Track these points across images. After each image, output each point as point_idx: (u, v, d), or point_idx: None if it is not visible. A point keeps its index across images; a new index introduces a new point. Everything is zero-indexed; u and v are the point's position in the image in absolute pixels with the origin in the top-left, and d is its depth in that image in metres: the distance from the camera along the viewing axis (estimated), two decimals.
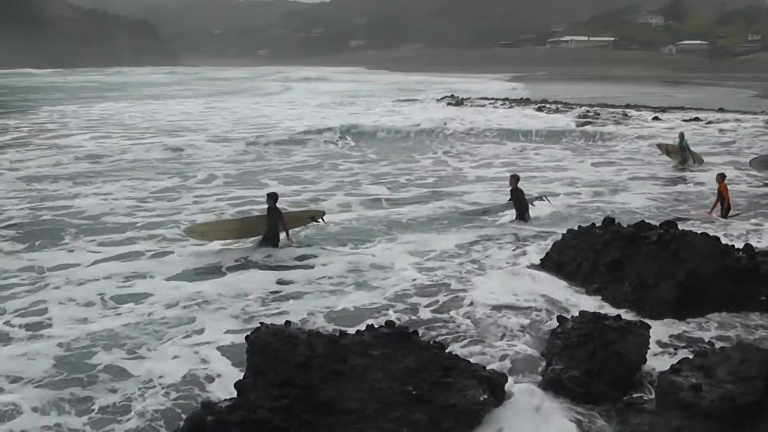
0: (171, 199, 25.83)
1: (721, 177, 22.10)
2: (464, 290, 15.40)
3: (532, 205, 21.98)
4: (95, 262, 17.94)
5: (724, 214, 21.77)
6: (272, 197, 18.86)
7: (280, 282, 16.56)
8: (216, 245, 18.97)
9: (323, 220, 20.27)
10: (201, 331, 13.45)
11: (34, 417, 10.29)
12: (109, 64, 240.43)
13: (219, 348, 12.62)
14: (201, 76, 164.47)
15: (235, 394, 9.46)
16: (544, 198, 22.39)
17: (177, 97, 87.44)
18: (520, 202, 21.28)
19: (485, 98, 71.11)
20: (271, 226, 18.71)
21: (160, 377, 11.34)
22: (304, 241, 19.70)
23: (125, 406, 10.52)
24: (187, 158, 35.86)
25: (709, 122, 48.78)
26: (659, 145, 36.72)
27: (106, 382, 11.32)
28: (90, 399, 10.79)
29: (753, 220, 21.98)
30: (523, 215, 21.35)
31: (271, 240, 18.73)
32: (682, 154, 33.17)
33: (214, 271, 17.24)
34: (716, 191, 22.21)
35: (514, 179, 21.38)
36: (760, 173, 29.93)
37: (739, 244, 15.26)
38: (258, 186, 28.47)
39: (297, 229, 19.91)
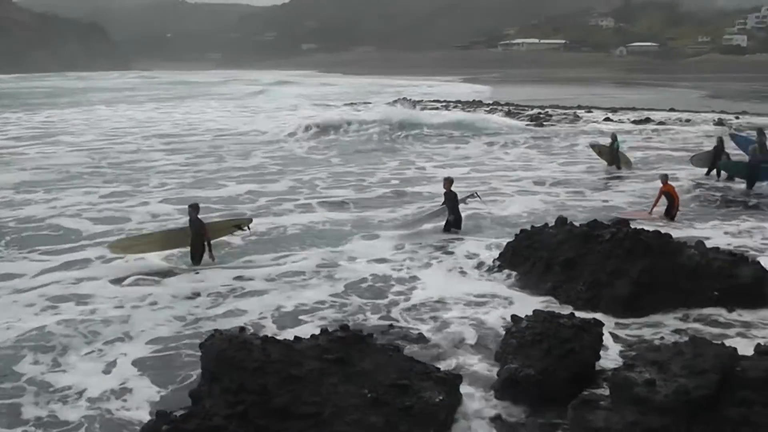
0: (121, 206, 25.18)
1: (665, 178, 22.18)
2: (419, 292, 15.46)
3: (464, 203, 21.33)
4: (42, 272, 17.40)
5: (674, 214, 21.86)
6: (194, 208, 17.73)
7: (236, 280, 16.52)
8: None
9: (249, 228, 19.27)
10: (134, 339, 13.22)
11: None
12: (61, 69, 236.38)
13: (149, 357, 12.46)
14: (167, 80, 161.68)
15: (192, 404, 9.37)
16: (475, 195, 21.93)
17: (130, 102, 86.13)
18: (453, 205, 20.62)
19: (437, 101, 71.38)
20: (194, 239, 17.58)
21: (84, 389, 11.13)
22: (248, 248, 19.41)
23: (52, 420, 10.30)
24: (138, 164, 35.10)
25: (660, 122, 49.45)
26: (592, 146, 35.87)
27: (31, 394, 11.04)
28: (16, 409, 10.56)
29: (699, 218, 22.44)
30: (456, 219, 20.66)
31: (195, 255, 17.64)
32: (614, 156, 32.27)
33: (166, 274, 16.99)
34: (658, 191, 22.23)
35: (448, 182, 20.68)
36: (701, 170, 30.23)
37: (691, 241, 15.54)
38: (215, 188, 28.17)
39: (225, 238, 19.25)
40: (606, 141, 34.64)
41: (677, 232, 18.79)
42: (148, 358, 12.32)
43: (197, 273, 17.01)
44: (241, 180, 30.36)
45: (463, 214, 21.34)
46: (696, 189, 27.26)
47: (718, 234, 20.20)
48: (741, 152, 31.28)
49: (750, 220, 22.16)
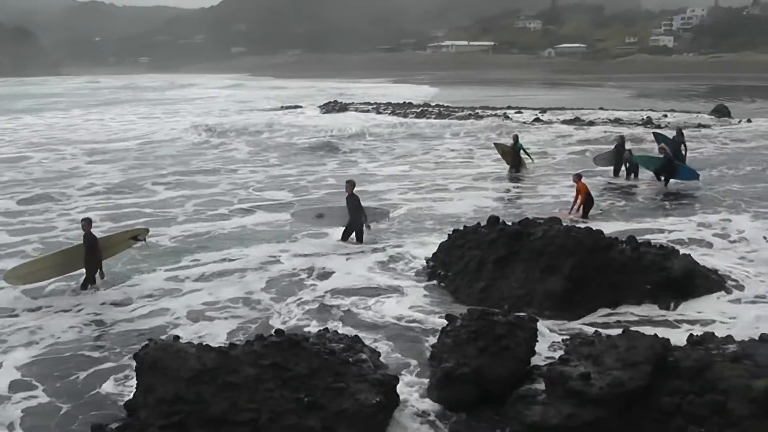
0: (42, 217, 23.98)
1: (578, 177, 22.44)
2: (353, 292, 15.46)
3: (376, 223, 20.49)
4: None
5: (585, 213, 22.04)
6: (87, 222, 16.39)
7: (168, 281, 16.51)
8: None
9: (146, 240, 17.95)
10: (37, 345, 13.11)
11: None
12: None
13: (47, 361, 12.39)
14: (109, 86, 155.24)
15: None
16: (387, 216, 21.15)
17: (62, 109, 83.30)
18: (354, 210, 19.54)
19: (368, 103, 71.39)
20: (87, 256, 16.10)
21: None
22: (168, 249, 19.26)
23: None
24: (64, 173, 33.64)
25: (591, 122, 49.97)
26: (496, 145, 34.97)
27: None
28: None
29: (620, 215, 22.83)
30: (352, 226, 19.71)
31: (89, 273, 16.23)
32: (515, 157, 31.52)
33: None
34: (575, 192, 22.38)
35: (350, 185, 19.68)
36: (603, 168, 30.53)
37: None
38: (147, 194, 27.49)
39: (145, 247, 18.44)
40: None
41: (609, 227, 19.03)
42: (47, 362, 12.30)
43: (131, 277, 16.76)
44: (170, 182, 29.95)
45: (403, 211, 21.19)
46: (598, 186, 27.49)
47: (643, 228, 20.63)
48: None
49: (673, 215, 22.78)
